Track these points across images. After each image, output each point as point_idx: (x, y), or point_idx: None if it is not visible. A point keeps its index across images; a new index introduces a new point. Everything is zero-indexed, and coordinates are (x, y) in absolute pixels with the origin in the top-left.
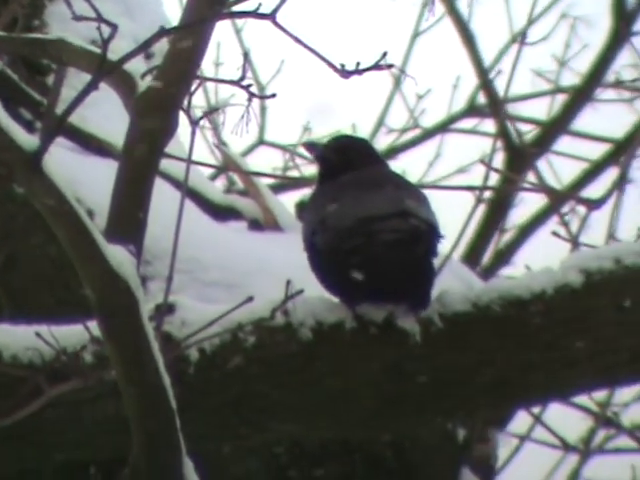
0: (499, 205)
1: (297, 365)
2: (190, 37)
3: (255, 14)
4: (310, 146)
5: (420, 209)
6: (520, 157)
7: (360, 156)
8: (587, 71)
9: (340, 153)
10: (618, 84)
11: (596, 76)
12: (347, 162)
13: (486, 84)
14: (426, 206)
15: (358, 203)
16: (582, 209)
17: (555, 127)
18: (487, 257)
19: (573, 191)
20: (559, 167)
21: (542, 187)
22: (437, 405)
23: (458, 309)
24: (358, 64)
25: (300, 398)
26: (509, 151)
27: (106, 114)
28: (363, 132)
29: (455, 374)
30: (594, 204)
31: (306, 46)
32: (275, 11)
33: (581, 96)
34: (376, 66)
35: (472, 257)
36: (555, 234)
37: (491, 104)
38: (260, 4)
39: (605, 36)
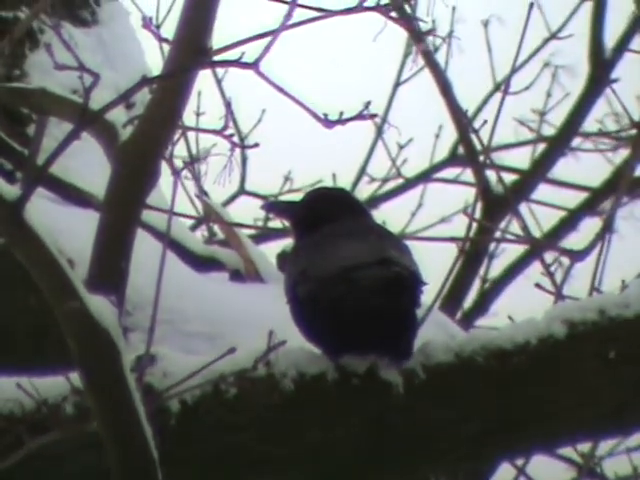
0: (479, 254)
1: (279, 416)
2: (172, 86)
3: (238, 63)
4: (271, 207)
5: (402, 258)
6: (500, 205)
7: (339, 207)
8: (565, 119)
9: (317, 206)
10: (597, 134)
11: (574, 124)
12: (325, 214)
13: (465, 134)
14: (408, 255)
15: (339, 253)
16: (565, 260)
17: (534, 175)
18: (466, 306)
19: (553, 239)
20: (538, 215)
21: (524, 237)
22: (419, 457)
23: (441, 360)
24: (341, 114)
25: (282, 450)
26: (488, 200)
27: (87, 164)
28: (345, 181)
29: (438, 426)
30: (577, 255)
31: (289, 95)
32: (258, 60)
33: (559, 144)
34: (359, 116)
35: (451, 306)
36: (538, 286)
37: (470, 154)
38: (243, 53)
39: (583, 84)
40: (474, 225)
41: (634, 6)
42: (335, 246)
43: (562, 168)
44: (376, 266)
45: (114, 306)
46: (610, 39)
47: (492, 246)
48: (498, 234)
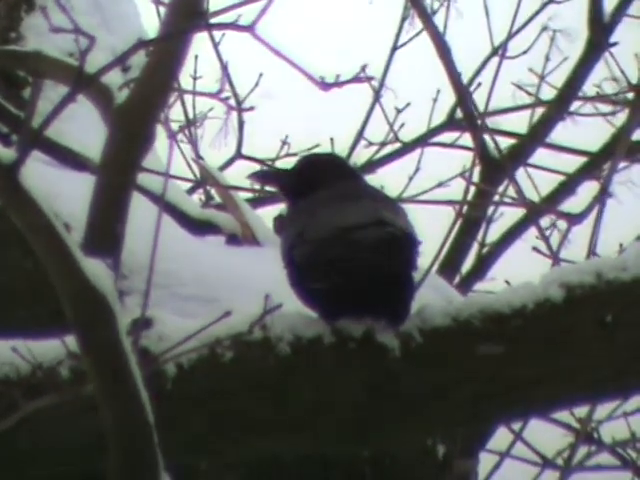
0: (477, 218)
1: (275, 380)
2: (168, 49)
3: (234, 26)
4: (261, 176)
5: (397, 219)
6: (497, 170)
7: (332, 172)
8: (563, 83)
9: (309, 173)
10: (596, 97)
11: (573, 88)
12: (318, 180)
13: (463, 98)
14: (403, 217)
15: (334, 215)
16: (562, 223)
17: (532, 140)
18: (464, 270)
19: (551, 204)
20: (537, 180)
21: (521, 201)
22: (416, 421)
23: (438, 324)
24: (338, 77)
25: (278, 413)
26: (486, 164)
27: (83, 127)
28: (342, 145)
29: (435, 389)
30: (575, 218)
31: (286, 58)
32: (254, 23)
33: (558, 109)
34: (356, 79)
35: (449, 270)
36: (536, 249)
37: (468, 118)
38: (239, 16)
39: (582, 48)
40: (472, 189)
41: None
42: (330, 209)
43: (560, 132)
44: (371, 227)
45: (110, 269)
46: (609, 3)
47: (490, 210)
48: (496, 198)
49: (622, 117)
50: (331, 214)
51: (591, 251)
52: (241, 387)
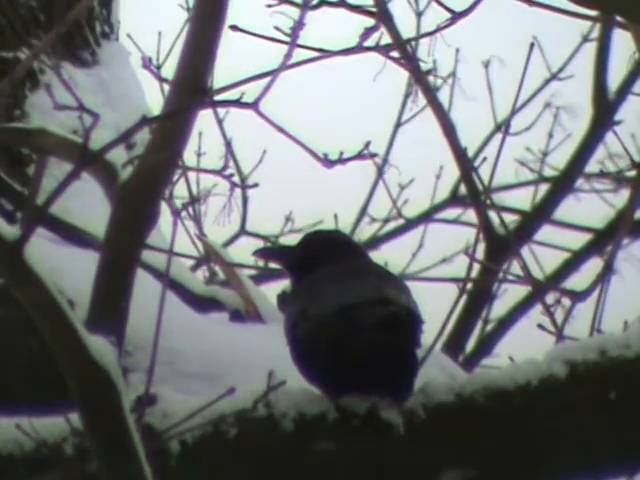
0: (481, 295)
1: (279, 457)
2: (172, 126)
3: (238, 103)
4: (265, 253)
5: (401, 297)
6: (502, 247)
7: (336, 249)
8: (568, 160)
9: (313, 249)
10: (598, 175)
11: (577, 165)
12: (323, 257)
13: (467, 174)
14: (407, 294)
15: (338, 293)
16: (566, 300)
17: (537, 216)
18: (469, 347)
19: (555, 281)
20: (541, 256)
21: (525, 278)
22: None
23: (442, 400)
24: (341, 153)
25: None
26: (491, 241)
27: (87, 205)
28: (346, 222)
29: (438, 466)
30: (579, 296)
31: (289, 135)
32: (258, 100)
33: (562, 185)
34: (359, 156)
35: (453, 347)
36: (540, 327)
37: (472, 194)
38: (243, 93)
39: (587, 125)
40: (475, 266)
41: (636, 48)
42: (333, 286)
43: (564, 209)
44: (374, 305)
45: (114, 346)
46: (613, 81)
47: (494, 287)
48: (500, 275)
49: (624, 195)
50: (334, 291)
51: (595, 327)
52: (245, 464)
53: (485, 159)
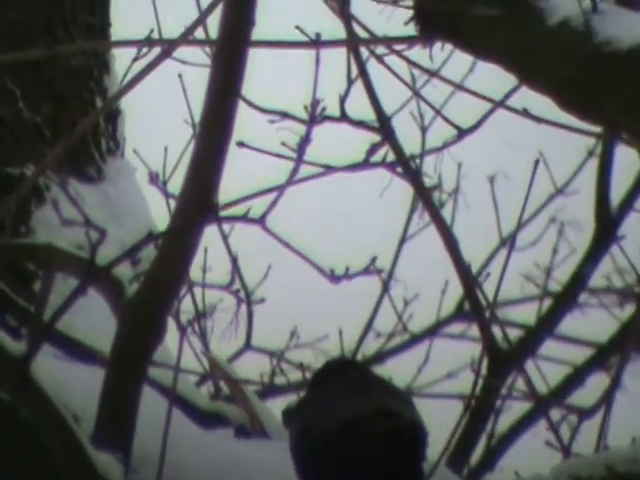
0: (485, 409)
1: None
2: (178, 242)
3: (244, 219)
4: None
5: (404, 410)
6: (505, 362)
7: (338, 366)
8: (571, 275)
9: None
10: (603, 290)
11: (580, 280)
12: (325, 377)
13: (470, 290)
14: (411, 407)
15: (341, 407)
16: (572, 416)
17: (540, 331)
18: (473, 462)
19: (560, 396)
20: (545, 371)
21: (529, 394)
22: None
23: None
24: (347, 269)
25: None
26: (493, 356)
27: (92, 321)
28: (351, 336)
29: None
30: (586, 413)
31: (295, 251)
32: (264, 216)
33: (565, 300)
34: (365, 271)
35: (457, 462)
36: (548, 444)
37: (475, 310)
38: (249, 209)
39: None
40: (480, 381)
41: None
42: (335, 401)
43: (568, 323)
44: (377, 419)
45: (120, 462)
46: (616, 196)
47: (498, 402)
48: (504, 390)
49: (630, 309)
50: (336, 406)
51: (601, 443)
52: None
53: (489, 274)
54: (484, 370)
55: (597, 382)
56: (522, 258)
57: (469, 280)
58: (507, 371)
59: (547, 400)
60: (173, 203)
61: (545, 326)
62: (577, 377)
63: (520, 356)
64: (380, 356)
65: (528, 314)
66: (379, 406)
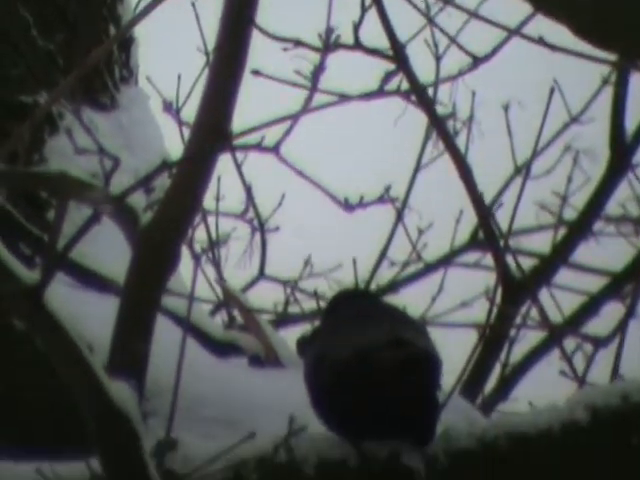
0: (499, 339)
1: None
2: (192, 171)
3: (258, 148)
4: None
5: (417, 338)
6: (520, 291)
7: (352, 296)
8: (586, 203)
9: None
10: (618, 219)
11: (595, 208)
12: (339, 306)
13: (484, 219)
14: (425, 336)
15: (355, 336)
16: (587, 345)
17: (555, 260)
18: (487, 391)
19: (574, 325)
20: (560, 300)
21: (545, 323)
22: None
23: (463, 445)
24: (362, 198)
25: None
26: (507, 285)
27: (106, 250)
28: (365, 265)
29: None
30: (601, 342)
31: (309, 179)
32: (278, 144)
33: (580, 229)
34: (379, 200)
35: (471, 391)
36: (563, 373)
37: (489, 238)
38: (263, 137)
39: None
40: (495, 310)
41: None
42: (349, 330)
43: (583, 252)
44: (392, 348)
45: (134, 391)
46: (631, 124)
47: (512, 331)
48: (518, 319)
49: None
50: (350, 336)
51: (615, 373)
52: None
53: (502, 204)
54: (498, 299)
55: (612, 311)
56: (537, 187)
57: (483, 209)
58: (521, 300)
59: (561, 329)
60: (187, 131)
61: (560, 255)
62: (592, 306)
63: (534, 285)
64: (394, 285)
65: (543, 243)
66: (392, 335)
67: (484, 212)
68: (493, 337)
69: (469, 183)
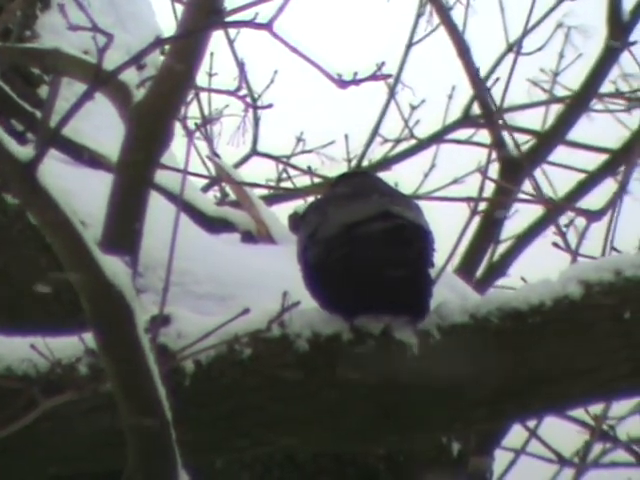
0: (494, 215)
1: (293, 377)
2: (185, 47)
3: (251, 24)
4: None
5: (407, 212)
6: (515, 167)
7: (345, 175)
8: (583, 81)
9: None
10: (615, 94)
11: (592, 86)
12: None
13: (480, 94)
14: (416, 212)
15: (343, 213)
16: (581, 220)
17: (551, 137)
18: (481, 269)
19: (569, 202)
20: (555, 177)
21: (540, 198)
22: (433, 418)
23: (456, 320)
24: (355, 74)
25: (296, 410)
26: (504, 161)
27: (99, 126)
28: (357, 142)
29: (452, 387)
30: (594, 215)
31: (303, 56)
32: (271, 20)
33: (577, 106)
34: (373, 76)
35: (466, 269)
36: (555, 245)
37: (485, 114)
38: (256, 13)
39: (600, 46)
40: (488, 185)
41: None
42: (339, 207)
43: (578, 130)
44: (377, 220)
45: (128, 266)
46: (629, 1)
47: (507, 207)
48: (513, 194)
49: (638, 114)
50: (340, 212)
51: (608, 247)
52: (259, 384)
53: (498, 79)
54: (492, 175)
55: (604, 189)
56: (529, 63)
57: (479, 84)
58: (517, 177)
59: (557, 204)
60: (180, 8)
61: (555, 132)
62: (587, 183)
63: (530, 161)
64: (386, 162)
65: (535, 120)
66: (381, 209)
67: (480, 87)
68: (488, 214)
69: (466, 59)
